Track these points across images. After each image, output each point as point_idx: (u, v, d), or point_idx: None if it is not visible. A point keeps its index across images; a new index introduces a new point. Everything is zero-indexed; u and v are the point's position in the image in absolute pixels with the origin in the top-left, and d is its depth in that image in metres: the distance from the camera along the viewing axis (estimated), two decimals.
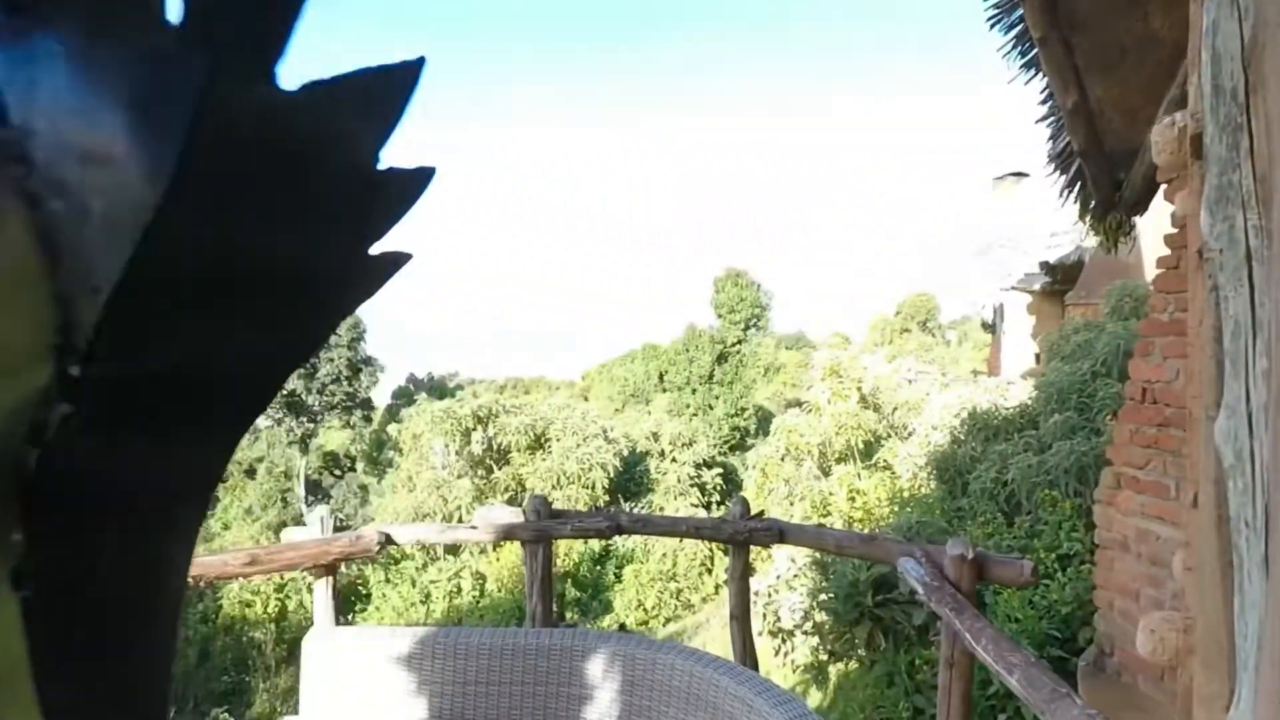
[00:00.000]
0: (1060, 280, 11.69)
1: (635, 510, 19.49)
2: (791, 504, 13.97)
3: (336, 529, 4.39)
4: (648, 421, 23.90)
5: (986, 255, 16.74)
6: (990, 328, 17.84)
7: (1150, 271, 9.28)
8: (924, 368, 24.26)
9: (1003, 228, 18.42)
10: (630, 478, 20.81)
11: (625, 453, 20.46)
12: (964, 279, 18.28)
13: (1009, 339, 14.57)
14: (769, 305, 27.97)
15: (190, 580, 3.80)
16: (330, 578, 4.15)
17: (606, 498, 19.25)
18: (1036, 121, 2.95)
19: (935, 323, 48.85)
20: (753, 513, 4.22)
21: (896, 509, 9.37)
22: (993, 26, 2.65)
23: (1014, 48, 2.68)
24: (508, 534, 4.37)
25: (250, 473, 34.20)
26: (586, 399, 32.05)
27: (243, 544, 20.76)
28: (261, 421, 28.22)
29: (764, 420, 25.47)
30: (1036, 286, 13.03)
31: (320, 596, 4.20)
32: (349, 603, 15.66)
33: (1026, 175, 19.75)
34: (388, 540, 4.30)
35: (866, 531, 4.55)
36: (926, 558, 2.76)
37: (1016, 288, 13.86)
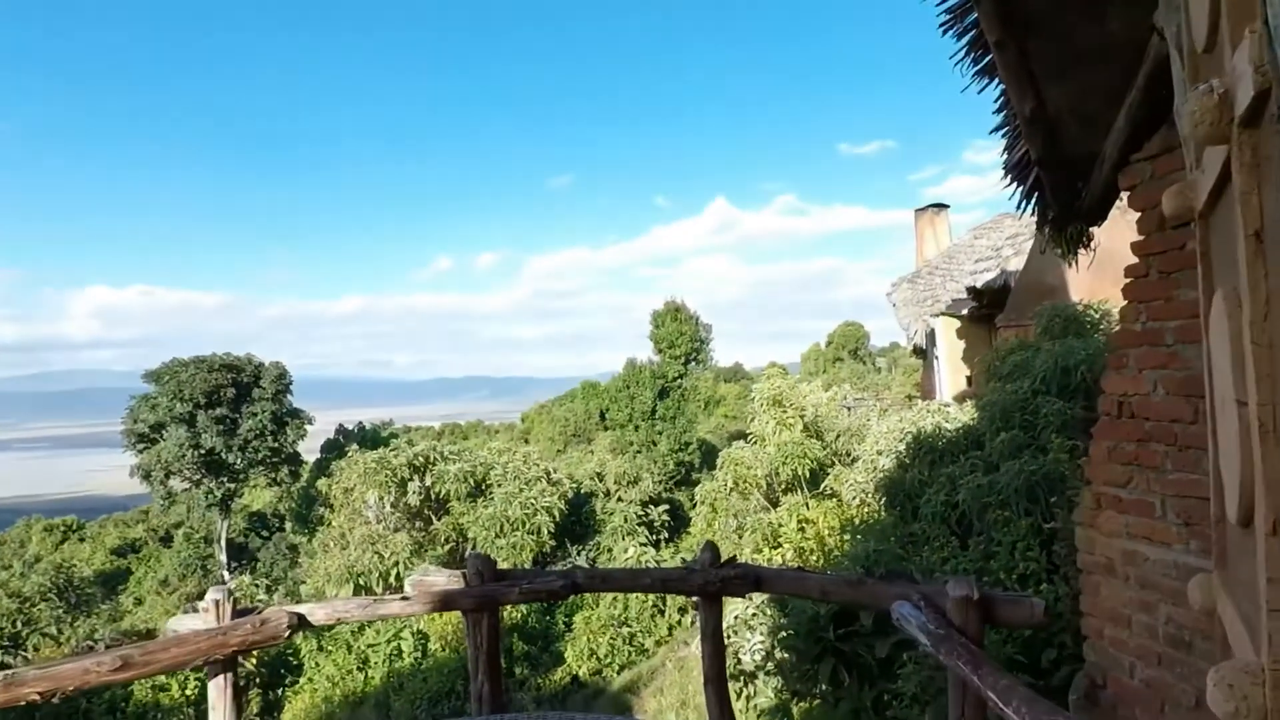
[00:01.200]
0: (987, 304, 12.03)
1: (583, 554, 18.95)
2: (740, 536, 13.76)
3: (240, 610, 3.64)
4: (591, 461, 23.45)
5: (915, 283, 17.22)
6: (921, 353, 18.29)
7: (1076, 292, 9.63)
8: (860, 394, 24.74)
9: (927, 256, 19.06)
10: (576, 520, 20.25)
11: (570, 494, 19.93)
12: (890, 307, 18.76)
13: (941, 363, 14.91)
14: (708, 339, 28.12)
15: (38, 696, 3.19)
16: (229, 674, 3.47)
17: (553, 542, 18.63)
18: (991, 131, 2.90)
19: (865, 350, 50.30)
20: (722, 558, 3.83)
21: (848, 537, 9.26)
22: (945, 32, 2.57)
23: (967, 54, 2.61)
24: (446, 603, 3.82)
25: (166, 540, 31.87)
26: (527, 441, 31.32)
27: (157, 621, 19.11)
28: (177, 484, 26.41)
29: (708, 454, 25.36)
30: (964, 311, 13.39)
31: (216, 699, 3.46)
32: (277, 676, 14.52)
33: (947, 207, 20.60)
34: (300, 623, 3.67)
35: (853, 574, 4.25)
36: (925, 601, 2.56)
37: (945, 313, 14.22)
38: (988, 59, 2.53)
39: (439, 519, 19.39)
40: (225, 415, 25.16)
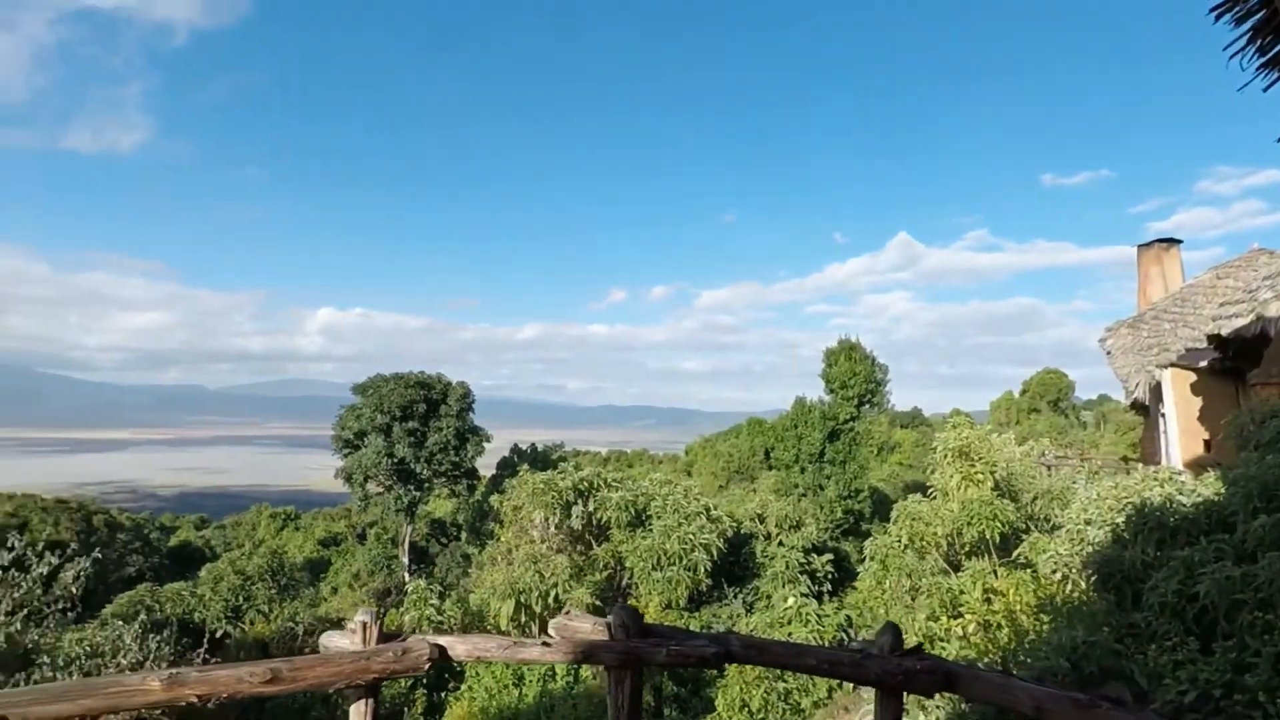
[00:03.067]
0: (1235, 356, 10.13)
1: (740, 598, 18.31)
2: (914, 599, 12.54)
3: (386, 634, 3.62)
4: (753, 501, 22.77)
5: (1136, 329, 15.04)
6: (1142, 409, 15.86)
7: None
8: (1062, 452, 21.97)
9: (1152, 298, 16.62)
10: (735, 560, 19.67)
11: (729, 533, 19.41)
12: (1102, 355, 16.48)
13: (1169, 422, 12.79)
14: (884, 380, 26.47)
15: (196, 699, 3.39)
16: (369, 700, 3.43)
17: (709, 581, 18.17)
18: None
19: (1068, 402, 44.84)
20: (905, 644, 3.23)
21: (1047, 619, 8.04)
22: (1219, 18, 2.04)
23: (1250, 42, 2.06)
24: (588, 655, 3.61)
25: (361, 537, 35.29)
26: (689, 474, 31.17)
27: (346, 612, 21.01)
28: (373, 488, 29.21)
29: (880, 504, 23.72)
30: (1203, 363, 11.41)
31: None
32: (442, 679, 15.26)
33: (1179, 242, 17.93)
34: (441, 655, 3.66)
35: (1081, 695, 3.37)
36: None
37: (1177, 364, 12.21)
38: (1277, 49, 1.97)
39: (599, 545, 19.66)
40: (416, 428, 27.51)
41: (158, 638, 13.64)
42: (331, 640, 3.71)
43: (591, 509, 19.79)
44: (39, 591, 13.65)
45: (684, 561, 17.52)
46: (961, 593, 10.74)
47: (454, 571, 27.25)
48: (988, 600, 10.14)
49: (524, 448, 36.43)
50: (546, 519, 20.10)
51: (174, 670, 3.14)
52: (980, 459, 12.25)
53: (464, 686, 15.07)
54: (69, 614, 14.07)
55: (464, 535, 32.62)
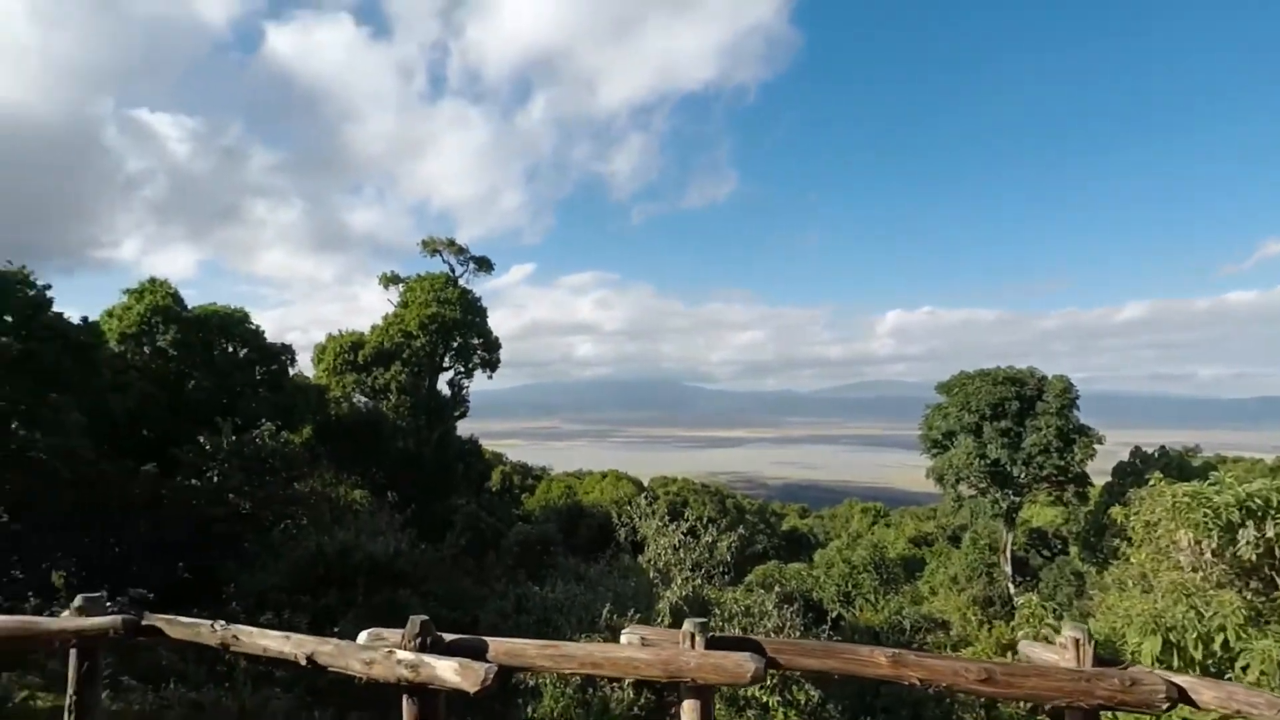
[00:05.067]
0: None
1: None
2: None
3: (1102, 659, 3.18)
4: None
5: None
6: None
7: None
8: None
9: None
10: None
11: None
12: None
13: None
14: None
15: (917, 681, 3.44)
16: None
17: None
18: None
19: None
20: None
21: None
22: None
23: None
24: None
25: (953, 540, 34.45)
26: None
27: (950, 615, 20.60)
28: (965, 489, 28.14)
29: None
30: None
31: None
32: None
33: None
34: (1180, 697, 2.94)
35: None
36: None
37: None
38: None
39: None
40: (1009, 428, 25.39)
41: (790, 609, 15.72)
42: (1033, 652, 3.47)
43: (1269, 534, 14.84)
44: (706, 555, 17.21)
45: None
46: None
47: (1064, 589, 24.09)
48: None
49: (1149, 451, 30.00)
50: (1198, 542, 15.95)
51: (897, 650, 3.34)
52: None
53: None
54: (725, 576, 17.43)
55: (1073, 549, 28.64)
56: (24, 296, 15.50)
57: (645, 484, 50.44)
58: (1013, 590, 23.89)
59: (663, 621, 12.89)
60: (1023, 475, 25.78)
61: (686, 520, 16.92)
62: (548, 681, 10.18)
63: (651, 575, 16.04)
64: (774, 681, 10.52)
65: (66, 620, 4.20)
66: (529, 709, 10.08)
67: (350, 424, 28.43)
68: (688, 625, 3.53)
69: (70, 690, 4.23)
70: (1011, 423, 25.59)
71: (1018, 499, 26.92)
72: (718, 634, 3.64)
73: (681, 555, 15.68)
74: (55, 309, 16.41)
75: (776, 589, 16.86)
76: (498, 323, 37.81)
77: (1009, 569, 26.05)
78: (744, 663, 3.30)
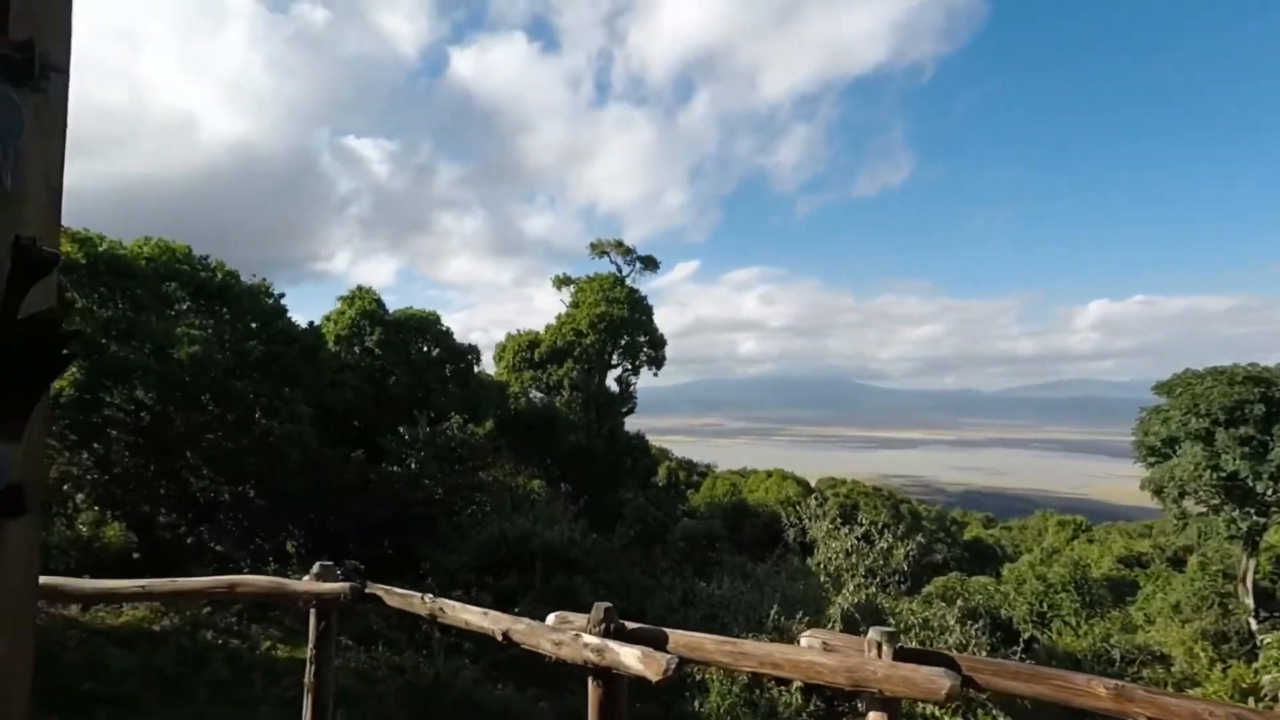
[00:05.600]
0: None
1: None
2: None
3: None
4: None
5: None
6: None
7: None
8: None
9: None
10: None
11: None
12: None
13: None
14: None
15: (1145, 718, 2.96)
16: None
17: None
18: None
19: None
20: None
21: None
22: None
23: None
24: None
25: (1175, 562, 30.14)
26: None
27: (1170, 648, 18.00)
28: (1191, 505, 24.50)
29: None
30: None
31: None
32: None
33: None
34: None
35: None
36: None
37: None
38: None
39: None
40: (1251, 436, 21.69)
41: (975, 625, 14.55)
42: None
43: None
44: (880, 562, 16.36)
45: None
46: None
47: None
48: None
49: None
50: None
51: (1121, 683, 2.95)
52: None
53: None
54: (901, 585, 16.48)
55: None
56: (266, 306, 18.02)
57: (812, 484, 49.08)
58: (1255, 626, 20.40)
59: (833, 627, 12.46)
60: (1270, 492, 21.81)
61: (860, 525, 16.24)
62: (714, 678, 10.21)
63: (821, 579, 15.60)
64: (958, 703, 9.85)
65: (308, 584, 4.81)
66: (695, 703, 10.16)
67: (528, 418, 30.24)
68: (873, 633, 3.33)
69: (310, 645, 4.83)
70: (1254, 430, 21.70)
71: (1262, 520, 22.86)
72: (904, 645, 3.40)
73: (854, 560, 15.09)
74: (287, 316, 18.94)
75: (959, 603, 15.69)
76: (662, 320, 38.48)
77: (1250, 600, 22.24)
78: (937, 678, 3.06)
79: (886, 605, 14.54)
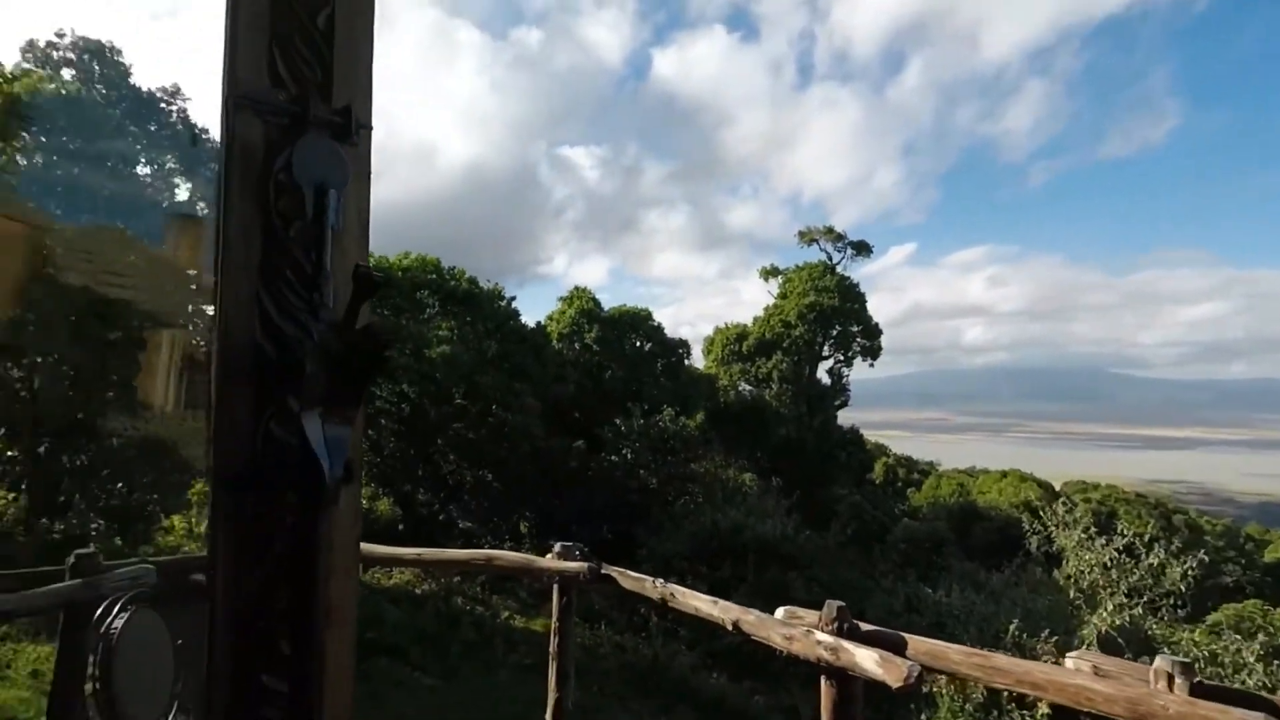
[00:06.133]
0: None
1: None
2: None
3: None
4: None
5: None
6: None
7: None
8: None
9: None
10: None
11: None
12: None
13: None
14: None
15: None
16: None
17: None
18: None
19: None
20: None
21: None
22: None
23: None
24: None
25: None
26: None
27: None
28: None
29: None
30: None
31: None
32: None
33: None
34: None
35: None
36: None
37: None
38: None
39: None
40: None
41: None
42: None
43: None
44: (1149, 581, 14.10)
45: None
46: None
47: None
48: None
49: None
50: None
51: None
52: None
53: None
54: (1178, 610, 14.06)
55: None
56: (500, 309, 19.89)
57: (1056, 488, 43.73)
58: None
59: (1088, 650, 11.00)
60: None
61: (1122, 535, 14.16)
62: (944, 692, 9.47)
63: (1071, 594, 13.84)
64: None
65: (553, 562, 5.20)
66: (921, 715, 9.50)
67: (737, 410, 30.29)
68: (1161, 663, 2.83)
69: (554, 618, 5.24)
70: None
71: None
72: (1203, 681, 2.85)
73: (1114, 576, 13.18)
74: (518, 317, 20.74)
75: (1261, 637, 13.05)
76: (876, 308, 36.57)
77: None
78: None
79: (1159, 632, 12.53)
